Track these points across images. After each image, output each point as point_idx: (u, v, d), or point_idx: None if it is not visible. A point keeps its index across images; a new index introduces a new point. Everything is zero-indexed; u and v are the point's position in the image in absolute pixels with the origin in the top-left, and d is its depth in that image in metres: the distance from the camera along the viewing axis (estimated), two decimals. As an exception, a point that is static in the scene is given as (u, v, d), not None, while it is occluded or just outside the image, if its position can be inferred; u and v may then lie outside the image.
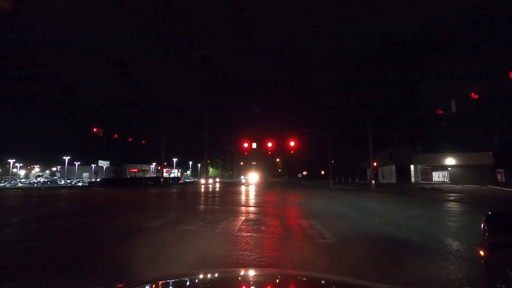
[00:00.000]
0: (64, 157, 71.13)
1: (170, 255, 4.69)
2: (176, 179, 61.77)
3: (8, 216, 10.01)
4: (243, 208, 11.71)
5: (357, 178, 55.54)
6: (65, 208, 12.54)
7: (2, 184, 33.59)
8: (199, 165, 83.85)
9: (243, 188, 29.75)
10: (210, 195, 20.17)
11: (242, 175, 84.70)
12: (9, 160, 69.30)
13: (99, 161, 76.61)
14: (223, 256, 4.66)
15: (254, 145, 29.61)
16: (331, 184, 35.64)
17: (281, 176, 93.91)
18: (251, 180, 51.97)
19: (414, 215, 9.97)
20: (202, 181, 47.56)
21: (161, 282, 1.59)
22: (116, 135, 28.85)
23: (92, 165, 76.94)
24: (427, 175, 38.86)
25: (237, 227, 7.20)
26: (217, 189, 28.83)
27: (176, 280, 1.65)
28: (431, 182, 36.19)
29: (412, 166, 37.27)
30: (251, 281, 1.54)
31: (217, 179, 53.60)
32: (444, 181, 37.17)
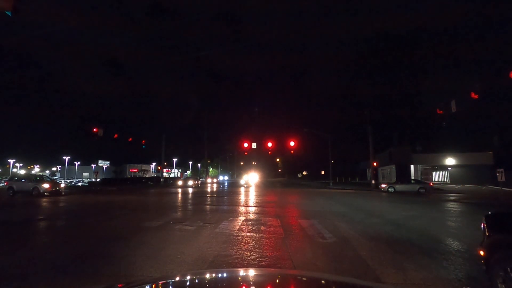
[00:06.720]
0: (64, 157, 70.98)
1: (170, 255, 4.69)
2: (176, 179, 61.58)
3: (9, 216, 10.00)
4: (243, 208, 11.71)
5: (357, 178, 55.51)
6: (64, 208, 12.53)
7: (2, 184, 33.57)
8: (199, 165, 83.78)
9: (242, 189, 29.76)
10: (210, 195, 20.17)
11: (227, 174, 79.63)
12: (9, 160, 69.20)
13: (99, 161, 76.52)
14: (223, 256, 4.66)
15: (254, 145, 29.60)
16: (331, 184, 35.64)
17: (281, 176, 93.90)
18: (251, 182, 49.90)
19: (414, 215, 9.98)
20: (190, 182, 33.36)
21: (161, 282, 1.59)
22: (116, 135, 28.81)
23: (92, 165, 76.81)
24: (427, 175, 38.81)
25: (237, 227, 7.20)
26: (216, 189, 28.83)
27: (176, 280, 1.65)
28: (431, 182, 36.17)
29: (412, 166, 37.22)
30: (251, 281, 1.54)
31: (215, 179, 51.84)
32: (444, 181, 37.16)
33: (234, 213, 10.00)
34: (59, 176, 77.65)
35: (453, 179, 35.63)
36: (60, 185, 20.82)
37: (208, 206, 13.10)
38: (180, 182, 34.33)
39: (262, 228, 7.11)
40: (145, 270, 3.99)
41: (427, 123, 33.96)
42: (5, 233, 6.95)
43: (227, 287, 1.50)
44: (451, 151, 34.84)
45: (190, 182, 33.23)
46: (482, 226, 3.29)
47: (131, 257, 4.58)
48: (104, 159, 77.84)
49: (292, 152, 45.84)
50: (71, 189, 29.67)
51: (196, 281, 1.57)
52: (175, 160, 78.52)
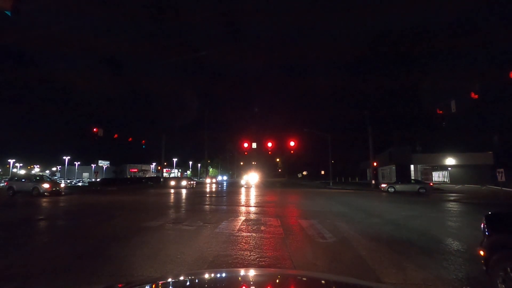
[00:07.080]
0: (64, 157, 71.08)
1: (169, 255, 4.69)
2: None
3: (9, 216, 9.99)
4: (243, 208, 11.71)
5: (357, 178, 55.51)
6: (64, 208, 12.53)
7: (2, 184, 33.60)
8: (199, 165, 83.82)
9: (242, 189, 29.77)
10: (210, 195, 20.17)
11: (227, 174, 77.94)
12: (9, 160, 69.22)
13: (99, 161, 76.54)
14: (223, 256, 4.66)
15: (254, 145, 29.61)
16: (331, 184, 35.62)
17: (281, 176, 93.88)
18: (251, 182, 49.47)
19: (414, 215, 9.98)
20: (183, 182, 30.21)
21: (161, 282, 1.59)
22: (116, 135, 28.79)
23: (92, 165, 76.85)
24: (427, 175, 38.83)
25: (237, 227, 7.19)
26: (215, 189, 28.83)
27: (176, 280, 1.65)
28: (431, 182, 36.13)
29: (412, 166, 37.26)
30: (251, 281, 1.54)
31: (213, 180, 51.45)
32: (444, 181, 37.17)
33: (234, 213, 9.99)
34: (59, 176, 77.64)
35: (453, 179, 35.64)
36: (60, 185, 20.72)
37: (208, 206, 13.10)
38: (172, 183, 31.04)
39: (262, 228, 7.10)
40: (145, 270, 3.99)
41: (427, 123, 33.97)
42: (5, 233, 6.94)
43: (227, 287, 1.50)
44: (451, 151, 34.85)
45: (184, 183, 30.21)
46: (482, 226, 3.29)
47: (131, 257, 4.58)
48: (104, 159, 77.87)
49: (292, 152, 45.78)
50: (71, 189, 29.66)
51: (196, 281, 1.57)
52: (175, 160, 78.63)
